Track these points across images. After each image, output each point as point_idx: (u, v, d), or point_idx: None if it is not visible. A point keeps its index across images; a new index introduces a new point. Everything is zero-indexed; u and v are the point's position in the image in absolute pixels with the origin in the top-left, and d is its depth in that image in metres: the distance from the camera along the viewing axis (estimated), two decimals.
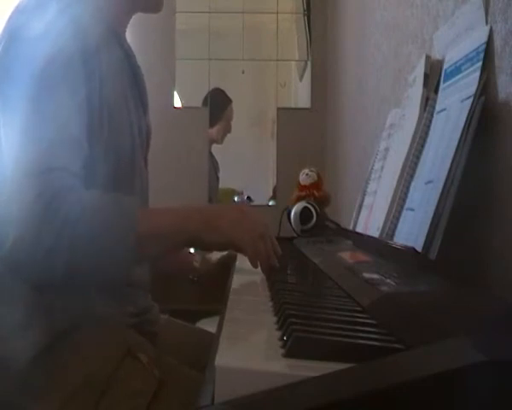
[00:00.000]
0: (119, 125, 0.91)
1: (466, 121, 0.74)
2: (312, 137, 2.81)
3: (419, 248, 0.75)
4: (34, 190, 0.74)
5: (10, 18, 0.86)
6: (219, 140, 2.88)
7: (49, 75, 0.80)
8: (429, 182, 0.81)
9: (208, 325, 1.12)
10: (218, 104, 2.87)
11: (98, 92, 0.85)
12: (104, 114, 0.86)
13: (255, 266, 0.84)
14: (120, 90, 0.94)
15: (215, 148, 2.89)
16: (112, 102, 0.88)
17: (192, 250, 1.25)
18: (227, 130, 2.88)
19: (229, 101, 2.88)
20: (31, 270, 0.75)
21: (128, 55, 1.01)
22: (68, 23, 0.85)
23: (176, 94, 2.86)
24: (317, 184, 1.57)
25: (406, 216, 0.89)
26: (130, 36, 1.05)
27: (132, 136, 0.95)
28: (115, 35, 0.98)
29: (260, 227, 0.85)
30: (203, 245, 0.87)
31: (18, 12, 0.86)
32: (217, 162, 2.89)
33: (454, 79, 0.85)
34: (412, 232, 0.81)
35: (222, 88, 2.89)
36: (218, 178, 2.90)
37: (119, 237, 0.77)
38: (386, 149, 1.15)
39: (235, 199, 2.89)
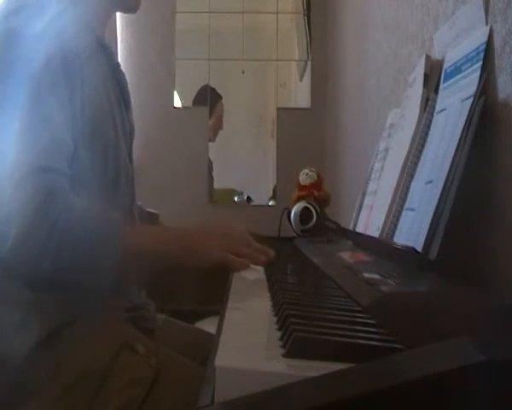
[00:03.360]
0: (104, 129, 0.92)
1: (466, 121, 0.74)
2: (312, 137, 2.81)
3: (419, 249, 0.75)
4: (31, 188, 0.76)
5: (5, 17, 0.86)
6: (212, 137, 2.86)
7: (46, 73, 0.81)
8: (429, 182, 0.81)
9: (208, 325, 1.12)
10: (206, 101, 2.86)
11: (80, 99, 0.86)
12: (87, 122, 0.87)
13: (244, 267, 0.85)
14: (105, 96, 0.95)
15: (215, 147, 2.89)
16: (97, 110, 0.90)
17: None
18: (218, 127, 2.86)
19: (218, 97, 2.87)
20: (22, 268, 0.77)
21: (108, 54, 1.01)
22: (60, 29, 0.86)
23: (176, 94, 2.86)
24: (317, 184, 1.58)
25: (406, 216, 0.89)
26: (130, 36, 1.06)
27: (117, 139, 0.96)
28: (97, 38, 0.98)
29: (239, 241, 0.87)
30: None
31: (14, 11, 0.85)
32: (211, 162, 2.88)
33: (454, 79, 0.85)
34: (412, 232, 0.81)
35: (222, 88, 2.89)
36: (212, 177, 2.89)
37: (104, 248, 0.78)
38: (386, 149, 1.15)
39: (235, 199, 2.89)
